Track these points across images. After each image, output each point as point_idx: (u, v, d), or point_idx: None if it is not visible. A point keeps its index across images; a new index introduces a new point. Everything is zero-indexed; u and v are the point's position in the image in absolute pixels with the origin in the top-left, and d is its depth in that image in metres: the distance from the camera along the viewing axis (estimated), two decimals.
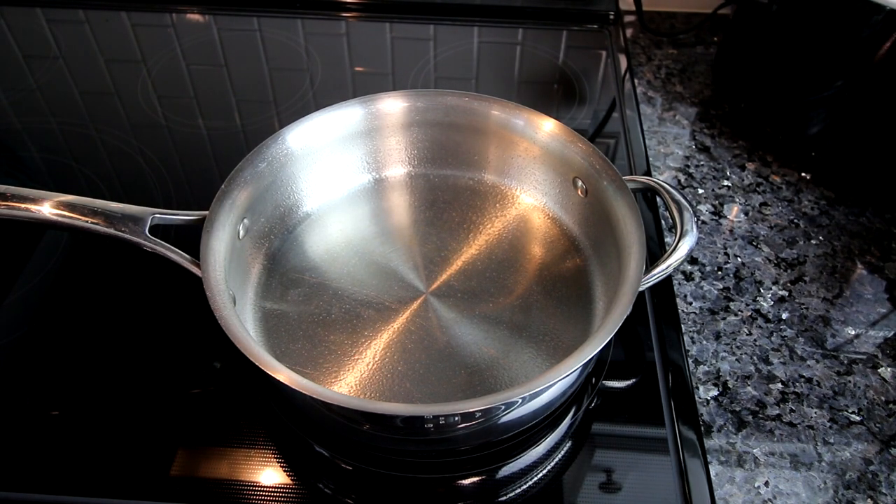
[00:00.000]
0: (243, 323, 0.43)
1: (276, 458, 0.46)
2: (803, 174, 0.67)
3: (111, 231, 0.47)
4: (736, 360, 0.53)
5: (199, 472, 0.45)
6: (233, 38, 0.78)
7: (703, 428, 0.49)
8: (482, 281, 0.53)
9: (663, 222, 0.60)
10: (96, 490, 0.44)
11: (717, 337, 0.54)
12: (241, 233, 0.50)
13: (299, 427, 0.47)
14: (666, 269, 0.47)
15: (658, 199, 0.58)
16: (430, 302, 0.51)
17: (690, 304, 0.57)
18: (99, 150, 0.66)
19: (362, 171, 0.59)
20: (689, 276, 0.59)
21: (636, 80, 0.76)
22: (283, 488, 0.45)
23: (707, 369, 0.53)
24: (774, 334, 0.55)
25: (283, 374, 0.39)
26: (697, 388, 0.51)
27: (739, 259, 0.60)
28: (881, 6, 0.55)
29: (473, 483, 0.45)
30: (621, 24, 0.82)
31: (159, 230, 0.47)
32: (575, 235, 0.55)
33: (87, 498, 0.44)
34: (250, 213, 0.51)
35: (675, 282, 0.58)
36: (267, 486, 0.45)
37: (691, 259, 0.60)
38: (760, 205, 0.64)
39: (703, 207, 0.64)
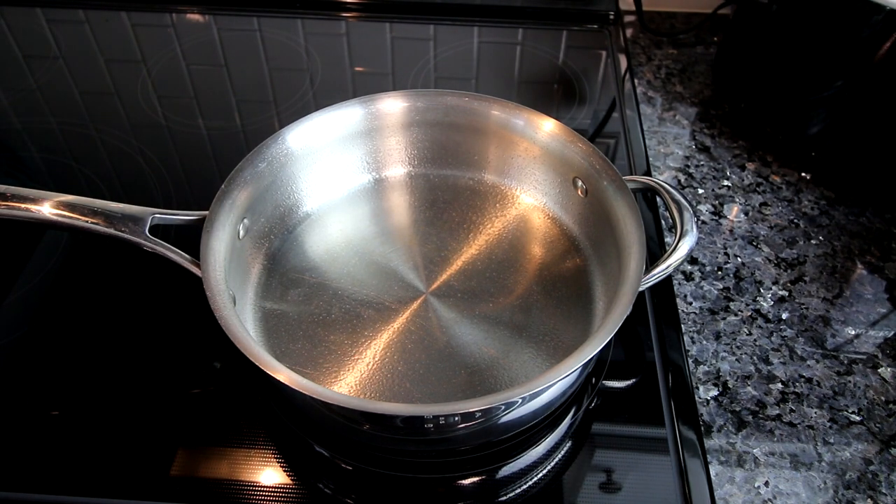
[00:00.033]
0: (243, 323, 0.43)
1: (276, 458, 0.46)
2: (803, 174, 0.67)
3: (111, 231, 0.47)
4: (736, 360, 0.53)
5: (199, 472, 0.45)
6: (233, 38, 0.78)
7: (703, 428, 0.49)
8: (482, 281, 0.53)
9: (663, 222, 0.60)
10: (96, 490, 0.44)
11: (717, 337, 0.54)
12: (241, 233, 0.50)
13: (299, 427, 0.47)
14: (666, 269, 0.47)
15: (658, 199, 0.58)
16: (430, 302, 0.51)
17: (690, 304, 0.57)
18: (99, 150, 0.66)
19: (362, 171, 0.59)
20: (689, 276, 0.59)
21: (636, 80, 0.76)
22: (283, 488, 0.45)
23: (707, 369, 0.53)
24: (774, 334, 0.55)
25: (283, 374, 0.39)
26: (697, 388, 0.51)
27: (739, 259, 0.60)
28: (881, 6, 0.55)
29: (473, 483, 0.45)
30: (621, 24, 0.82)
31: (159, 230, 0.47)
32: (575, 235, 0.55)
33: (87, 498, 0.44)
34: (250, 213, 0.51)
35: (675, 282, 0.58)
36: (267, 486, 0.45)
37: (691, 259, 0.60)
38: (760, 205, 0.64)
39: (703, 207, 0.64)
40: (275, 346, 0.49)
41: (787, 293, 0.57)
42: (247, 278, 0.51)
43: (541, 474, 0.46)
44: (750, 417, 0.50)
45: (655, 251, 0.57)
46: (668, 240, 0.59)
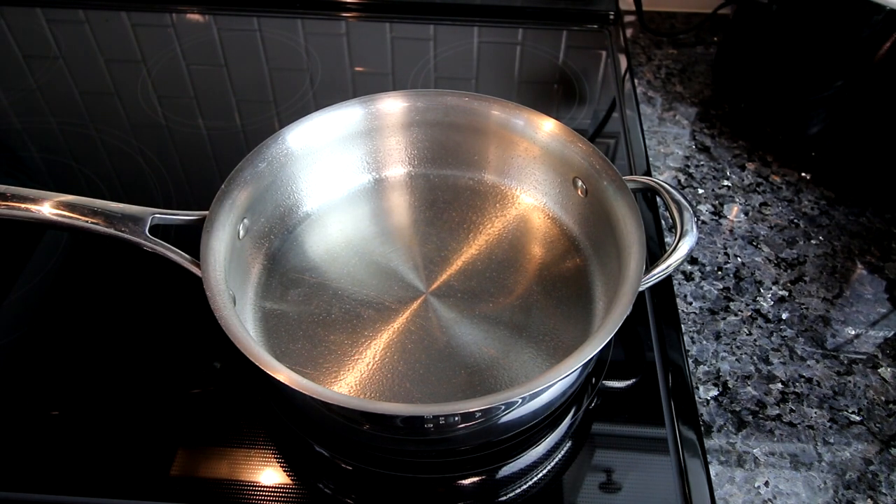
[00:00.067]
0: (243, 323, 0.43)
1: (276, 458, 0.46)
2: (803, 174, 0.67)
3: (111, 231, 0.47)
4: (736, 360, 0.53)
5: (199, 472, 0.45)
6: (233, 38, 0.78)
7: (703, 428, 0.49)
8: (482, 281, 0.53)
9: (663, 222, 0.60)
10: (96, 490, 0.44)
11: (717, 337, 0.54)
12: (241, 233, 0.50)
13: (299, 427, 0.47)
14: (666, 269, 0.47)
15: (658, 199, 0.58)
16: (430, 302, 0.51)
17: (690, 304, 0.57)
18: (99, 150, 0.66)
19: (362, 171, 0.59)
20: (689, 276, 0.59)
21: (636, 80, 0.76)
22: (283, 488, 0.45)
23: (707, 369, 0.53)
24: (774, 334, 0.55)
25: (283, 374, 0.39)
26: (697, 388, 0.51)
27: (739, 259, 0.60)
28: (881, 6, 0.55)
29: (473, 483, 0.45)
30: (621, 24, 0.82)
31: (159, 230, 0.47)
32: (575, 235, 0.55)
33: (87, 498, 0.44)
34: (250, 213, 0.51)
35: (675, 282, 0.58)
36: (267, 486, 0.45)
37: (691, 259, 0.60)
38: (760, 205, 0.64)
39: (703, 207, 0.64)
40: (275, 346, 0.49)
41: (787, 293, 0.57)
42: (247, 278, 0.51)
43: (541, 474, 0.46)
44: (750, 417, 0.50)
45: (655, 251, 0.57)
46: (668, 240, 0.59)
